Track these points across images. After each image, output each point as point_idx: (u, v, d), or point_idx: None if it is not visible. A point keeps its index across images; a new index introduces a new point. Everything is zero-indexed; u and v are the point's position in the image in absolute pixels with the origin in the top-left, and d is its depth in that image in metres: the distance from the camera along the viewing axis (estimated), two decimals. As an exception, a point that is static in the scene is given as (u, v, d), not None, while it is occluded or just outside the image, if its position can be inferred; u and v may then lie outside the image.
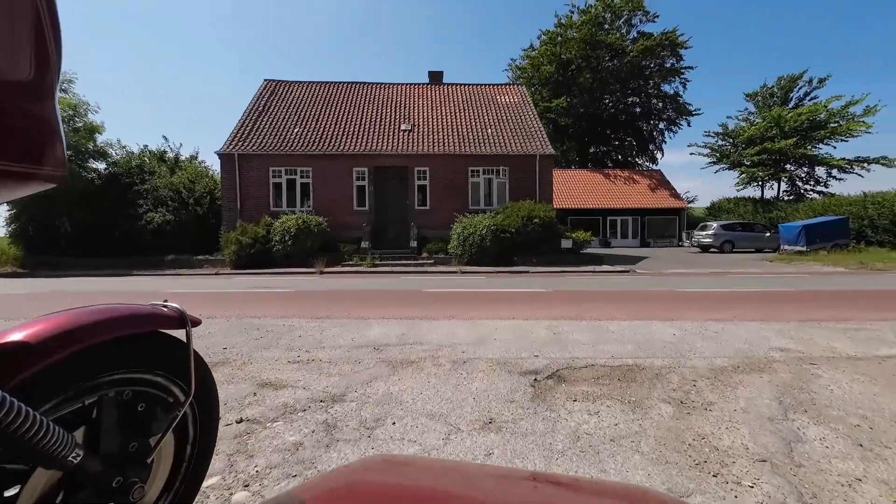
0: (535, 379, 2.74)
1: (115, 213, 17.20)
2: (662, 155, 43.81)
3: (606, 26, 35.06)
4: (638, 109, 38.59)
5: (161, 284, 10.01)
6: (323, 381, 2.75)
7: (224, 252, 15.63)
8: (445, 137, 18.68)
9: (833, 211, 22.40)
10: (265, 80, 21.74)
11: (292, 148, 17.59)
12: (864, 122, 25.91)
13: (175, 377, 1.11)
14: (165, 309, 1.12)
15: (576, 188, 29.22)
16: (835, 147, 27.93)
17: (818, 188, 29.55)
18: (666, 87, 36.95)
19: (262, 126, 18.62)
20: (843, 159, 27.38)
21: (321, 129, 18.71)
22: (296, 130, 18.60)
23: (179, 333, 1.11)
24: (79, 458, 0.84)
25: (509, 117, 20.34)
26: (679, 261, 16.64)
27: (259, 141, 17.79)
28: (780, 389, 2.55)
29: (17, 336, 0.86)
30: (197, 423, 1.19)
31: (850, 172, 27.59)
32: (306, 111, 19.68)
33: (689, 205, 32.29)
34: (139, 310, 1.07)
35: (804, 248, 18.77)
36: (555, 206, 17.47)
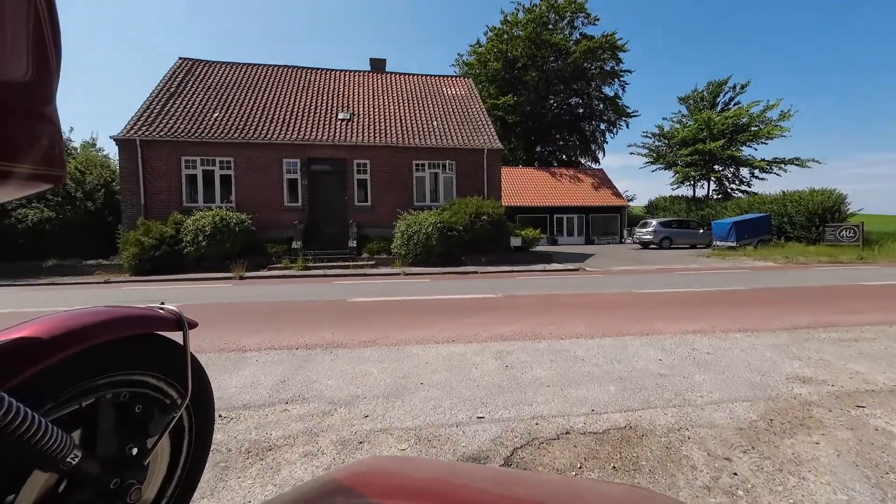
0: (478, 481, 1.58)
1: (-25, 210, 13.90)
2: (604, 155, 45.46)
3: (550, 26, 35.32)
4: (581, 110, 39.45)
5: None
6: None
7: (122, 256, 13.09)
8: (388, 128, 17.25)
9: (757, 208, 23.86)
10: (180, 58, 18.98)
11: (210, 134, 15.27)
12: (780, 126, 28.08)
13: (172, 379, 1.09)
14: (162, 311, 1.11)
15: (523, 186, 28.98)
16: (756, 149, 30.14)
17: (742, 187, 31.79)
18: (606, 90, 38.09)
19: (173, 109, 16.05)
20: (764, 160, 29.57)
21: (246, 114, 16.49)
22: (215, 115, 16.24)
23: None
24: (77, 460, 0.82)
25: (456, 110, 19.33)
26: (624, 258, 16.57)
27: (169, 125, 15.26)
28: (867, 474, 1.60)
29: (15, 337, 0.85)
30: (193, 425, 1.17)
31: (770, 172, 29.89)
32: (228, 95, 17.31)
33: (630, 203, 33.37)
34: (136, 312, 1.06)
35: (734, 244, 19.58)
36: (503, 204, 16.69)
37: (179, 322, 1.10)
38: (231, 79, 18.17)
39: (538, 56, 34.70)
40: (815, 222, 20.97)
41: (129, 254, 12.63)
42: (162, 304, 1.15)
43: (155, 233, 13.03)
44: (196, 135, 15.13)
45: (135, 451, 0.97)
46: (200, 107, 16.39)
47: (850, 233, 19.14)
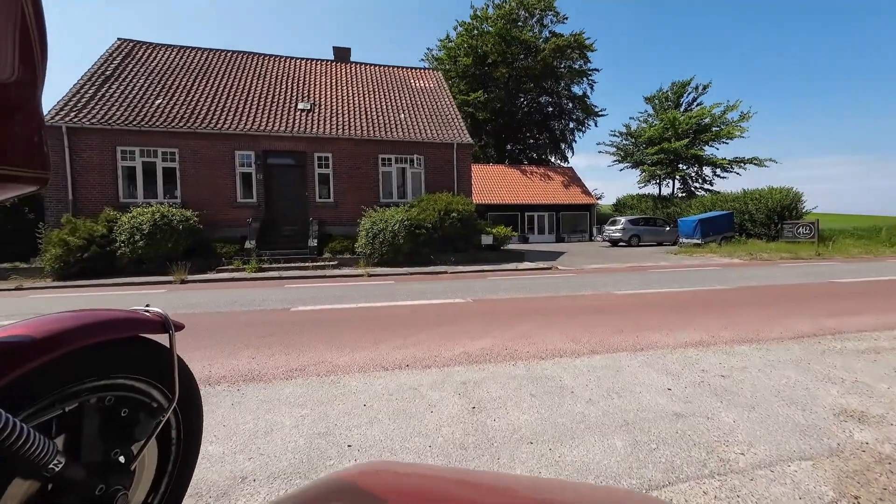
0: None
1: None
2: (573, 154, 45.83)
3: (520, 23, 35.08)
4: (550, 109, 39.47)
5: None
6: None
7: (43, 258, 11.49)
8: (352, 120, 16.20)
9: (720, 206, 24.39)
10: (118, 38, 17.16)
11: (152, 123, 13.75)
12: (740, 126, 28.97)
13: (158, 382, 1.07)
14: (148, 313, 1.10)
15: (494, 183, 28.54)
16: (717, 149, 30.93)
17: (705, 186, 32.64)
18: (575, 89, 38.27)
19: (109, 94, 14.39)
20: (725, 159, 30.47)
21: (193, 102, 15.01)
22: (158, 102, 14.68)
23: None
24: (60, 466, 0.81)
25: (424, 103, 18.49)
26: (595, 255, 16.32)
27: (103, 112, 13.64)
28: None
29: None
30: (180, 429, 1.14)
31: (731, 171, 30.86)
32: (173, 80, 15.74)
33: (599, 201, 33.64)
34: (120, 315, 1.04)
35: (700, 241, 19.78)
36: (474, 201, 16.04)
37: (165, 324, 1.08)
38: (177, 63, 16.56)
39: (508, 53, 34.37)
40: (774, 220, 21.58)
41: (51, 256, 11.07)
42: (147, 306, 1.12)
43: (83, 232, 11.53)
44: (135, 123, 13.60)
45: (121, 456, 0.95)
46: (141, 92, 14.79)
47: (806, 230, 19.74)
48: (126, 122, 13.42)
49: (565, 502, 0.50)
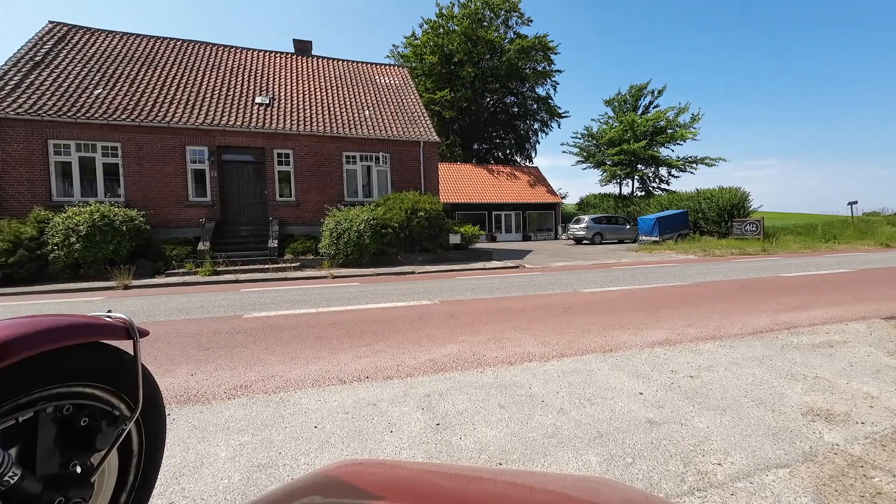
0: None
1: None
2: (536, 154, 46.68)
3: (486, 23, 35.25)
4: (516, 109, 40.00)
5: None
6: None
7: (-41, 264, 10.26)
8: (314, 115, 15.61)
9: (675, 205, 25.53)
10: (50, 21, 15.66)
11: (90, 114, 12.63)
12: (692, 129, 30.49)
13: (120, 391, 1.03)
14: (110, 319, 1.05)
15: (462, 182, 28.53)
16: (672, 150, 32.42)
17: (662, 185, 34.12)
18: (539, 90, 38.97)
19: (38, 82, 13.10)
20: (679, 160, 31.95)
21: (138, 92, 13.94)
22: (97, 92, 13.51)
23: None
24: (15, 479, 0.77)
25: (390, 99, 18.12)
26: (560, 254, 16.60)
27: (32, 101, 12.39)
28: None
29: None
30: (142, 439, 1.10)
31: (684, 171, 32.39)
32: (115, 69, 14.54)
33: (563, 200, 34.43)
34: (80, 320, 0.98)
35: (658, 238, 20.59)
36: (441, 200, 15.87)
37: (129, 330, 1.04)
38: (119, 51, 15.32)
39: (474, 52, 34.47)
40: (725, 217, 22.81)
41: (-33, 261, 9.92)
42: (109, 311, 1.07)
43: (8, 233, 10.42)
44: (70, 113, 12.44)
45: (80, 467, 0.90)
46: (77, 81, 13.56)
47: (752, 227, 20.99)
48: (59, 113, 12.26)
49: (538, 490, 0.51)
